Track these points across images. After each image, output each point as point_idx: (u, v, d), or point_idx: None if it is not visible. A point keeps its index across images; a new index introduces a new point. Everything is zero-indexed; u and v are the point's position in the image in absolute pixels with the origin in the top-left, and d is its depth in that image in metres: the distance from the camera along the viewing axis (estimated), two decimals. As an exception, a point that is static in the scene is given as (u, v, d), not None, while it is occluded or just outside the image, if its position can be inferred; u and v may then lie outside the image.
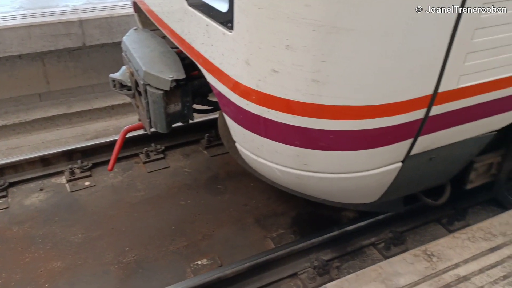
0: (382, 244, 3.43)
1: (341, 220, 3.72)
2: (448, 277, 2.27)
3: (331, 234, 3.37)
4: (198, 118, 4.61)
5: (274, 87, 2.15)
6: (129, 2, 4.36)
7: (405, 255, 2.46)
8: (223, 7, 2.24)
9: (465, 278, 2.26)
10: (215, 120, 3.44)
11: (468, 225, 3.55)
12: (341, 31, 1.90)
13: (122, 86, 3.31)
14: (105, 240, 3.49)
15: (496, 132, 2.79)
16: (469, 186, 3.30)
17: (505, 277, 2.27)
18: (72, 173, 4.15)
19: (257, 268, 3.11)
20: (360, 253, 3.40)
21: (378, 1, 1.85)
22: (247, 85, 2.24)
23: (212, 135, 4.64)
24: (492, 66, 2.29)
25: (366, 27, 1.90)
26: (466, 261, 2.37)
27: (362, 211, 3.65)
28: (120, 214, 3.76)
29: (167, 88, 2.85)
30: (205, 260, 3.29)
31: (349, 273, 3.14)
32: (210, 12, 2.38)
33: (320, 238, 3.33)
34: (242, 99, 2.32)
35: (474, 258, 2.39)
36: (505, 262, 2.37)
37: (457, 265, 2.35)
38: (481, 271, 2.30)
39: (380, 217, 3.55)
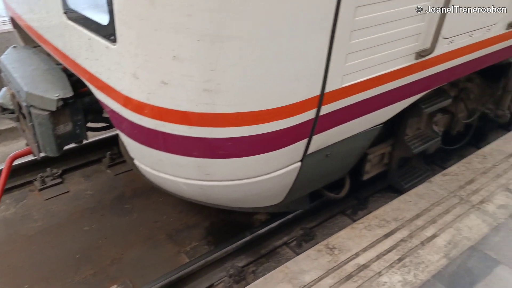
0: (294, 242, 3.52)
1: (254, 224, 3.75)
2: (349, 267, 2.39)
3: (244, 239, 3.39)
4: (97, 136, 4.37)
5: (165, 99, 2.10)
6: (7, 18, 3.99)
7: (309, 251, 2.54)
8: (104, 20, 2.13)
9: (364, 266, 2.39)
10: (117, 136, 3.27)
11: (370, 213, 3.79)
12: (225, 39, 1.91)
13: (4, 109, 3.04)
14: (0, 280, 3.15)
15: (382, 125, 3.02)
16: (365, 177, 3.54)
17: (399, 259, 2.45)
18: (-47, 210, 3.69)
19: (171, 285, 3.02)
20: (274, 254, 3.46)
21: (258, 8, 1.89)
22: (137, 99, 2.16)
23: (115, 152, 4.41)
24: (370, 64, 2.46)
25: (249, 33, 1.94)
26: (364, 250, 2.52)
27: (273, 213, 3.73)
28: (16, 249, 3.41)
29: (54, 108, 2.65)
30: (115, 286, 3.11)
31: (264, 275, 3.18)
32: (91, 25, 2.26)
33: (234, 245, 3.34)
34: (134, 114, 2.23)
35: (372, 245, 2.55)
36: (398, 246, 2.55)
37: (356, 255, 2.48)
38: (378, 257, 2.45)
39: (290, 216, 3.66)
